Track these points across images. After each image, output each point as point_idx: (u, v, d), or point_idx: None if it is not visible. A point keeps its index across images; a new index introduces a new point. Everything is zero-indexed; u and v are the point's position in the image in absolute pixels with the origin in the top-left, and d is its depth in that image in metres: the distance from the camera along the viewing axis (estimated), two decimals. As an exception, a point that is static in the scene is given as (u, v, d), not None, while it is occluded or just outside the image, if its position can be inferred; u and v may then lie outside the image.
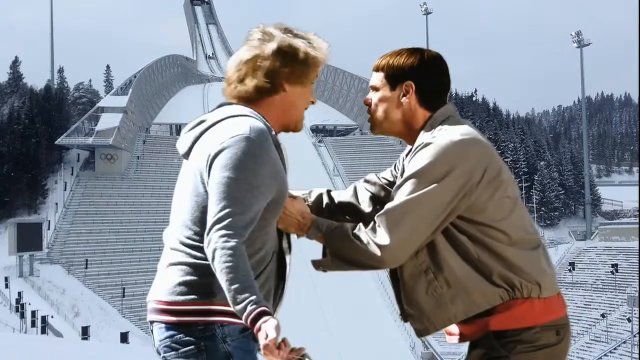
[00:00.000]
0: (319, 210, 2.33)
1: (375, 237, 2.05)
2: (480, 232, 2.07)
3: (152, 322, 2.05)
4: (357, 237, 2.08)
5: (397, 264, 2.10)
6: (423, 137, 2.13)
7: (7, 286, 54.96)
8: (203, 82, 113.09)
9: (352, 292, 62.41)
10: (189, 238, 2.00)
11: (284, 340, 1.80)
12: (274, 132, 2.09)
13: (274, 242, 2.11)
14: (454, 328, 2.19)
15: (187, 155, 2.11)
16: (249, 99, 2.13)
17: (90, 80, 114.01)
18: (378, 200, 2.30)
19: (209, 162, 1.99)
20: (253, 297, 1.82)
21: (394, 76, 2.21)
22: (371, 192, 2.34)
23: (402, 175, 2.14)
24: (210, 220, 1.92)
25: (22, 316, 48.43)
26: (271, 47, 2.12)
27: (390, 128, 2.25)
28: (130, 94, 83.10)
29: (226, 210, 1.91)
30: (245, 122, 2.01)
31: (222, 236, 1.88)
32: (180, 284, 1.99)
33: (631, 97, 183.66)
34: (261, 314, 1.80)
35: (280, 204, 2.08)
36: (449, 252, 2.07)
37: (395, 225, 2.03)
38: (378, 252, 2.04)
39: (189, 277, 1.98)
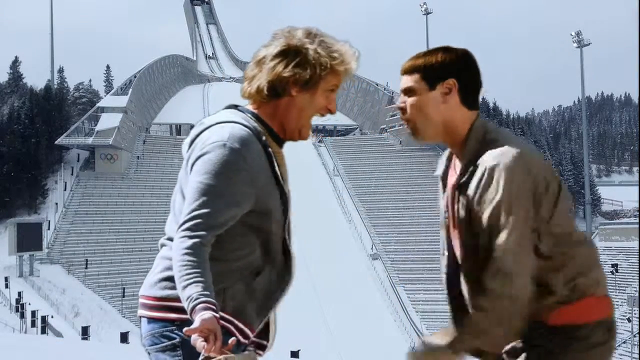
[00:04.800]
0: None
1: (505, 289, 1.97)
2: (544, 245, 2.06)
3: (140, 317, 2.13)
4: (487, 310, 1.99)
5: (526, 293, 2.02)
6: (476, 156, 2.07)
7: (7, 286, 54.92)
8: (203, 82, 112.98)
9: (352, 292, 62.35)
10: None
11: (215, 334, 1.83)
12: (264, 138, 2.07)
13: (274, 247, 2.11)
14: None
15: None
16: (257, 100, 2.12)
17: (90, 80, 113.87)
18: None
19: (190, 166, 2.04)
20: (194, 294, 1.87)
21: (433, 75, 2.11)
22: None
23: (469, 207, 2.06)
24: (179, 221, 1.99)
25: (22, 316, 48.38)
26: (276, 48, 2.09)
27: (435, 132, 2.15)
28: (130, 94, 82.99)
29: (192, 214, 1.97)
30: (227, 128, 2.03)
31: (182, 237, 1.95)
32: (162, 279, 2.07)
33: (631, 97, 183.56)
34: (198, 310, 1.85)
35: (268, 213, 2.07)
36: None
37: (509, 264, 1.98)
38: (513, 303, 1.98)
39: (170, 272, 2.02)
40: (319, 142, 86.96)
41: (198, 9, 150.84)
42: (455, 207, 2.13)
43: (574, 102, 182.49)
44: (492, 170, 2.00)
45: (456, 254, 2.19)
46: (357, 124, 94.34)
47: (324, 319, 56.95)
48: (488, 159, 2.03)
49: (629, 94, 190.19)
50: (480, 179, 2.03)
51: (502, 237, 1.99)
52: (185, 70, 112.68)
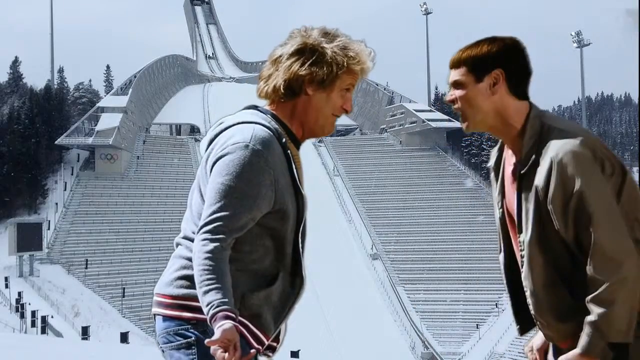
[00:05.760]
0: None
1: (620, 275, 1.92)
2: None
3: (154, 315, 2.12)
4: (613, 302, 1.94)
5: (635, 264, 1.97)
6: (537, 147, 2.04)
7: (7, 286, 54.98)
8: (203, 82, 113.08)
9: (352, 292, 62.38)
10: (193, 232, 2.05)
11: (235, 345, 1.85)
12: (284, 140, 2.07)
13: (287, 251, 2.10)
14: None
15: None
16: (274, 100, 2.12)
17: (90, 80, 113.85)
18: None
19: (210, 166, 2.03)
20: (215, 301, 1.88)
21: (480, 67, 2.10)
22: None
23: (550, 197, 2.00)
24: (200, 223, 1.98)
25: (22, 316, 48.41)
26: (292, 47, 2.09)
27: (485, 122, 2.12)
28: (130, 94, 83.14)
29: (213, 216, 1.96)
30: (249, 129, 2.02)
31: (203, 239, 1.95)
32: (178, 278, 2.05)
33: (631, 97, 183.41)
34: (218, 318, 1.86)
35: (285, 216, 2.07)
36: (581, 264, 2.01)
37: (611, 249, 1.94)
38: (633, 286, 1.94)
39: (186, 272, 2.03)
40: (318, 142, 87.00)
41: (198, 9, 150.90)
42: (517, 197, 2.10)
43: (574, 102, 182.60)
44: (561, 160, 1.97)
45: (514, 247, 2.16)
46: (357, 124, 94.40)
47: (324, 319, 56.97)
48: (553, 149, 2.00)
49: (629, 94, 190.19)
50: (550, 171, 2.00)
51: (598, 225, 1.95)
52: (185, 70, 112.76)
